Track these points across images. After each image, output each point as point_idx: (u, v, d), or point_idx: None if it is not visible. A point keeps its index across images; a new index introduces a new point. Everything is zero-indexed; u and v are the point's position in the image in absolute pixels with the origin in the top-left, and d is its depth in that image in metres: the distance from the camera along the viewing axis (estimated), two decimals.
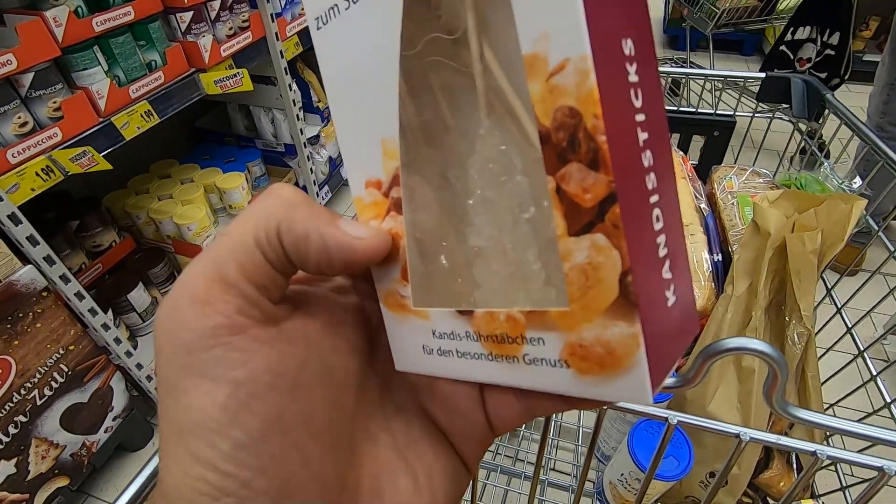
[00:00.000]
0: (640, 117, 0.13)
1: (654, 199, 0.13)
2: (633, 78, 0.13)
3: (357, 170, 0.18)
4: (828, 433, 0.57)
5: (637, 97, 0.13)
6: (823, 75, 2.02)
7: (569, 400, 0.16)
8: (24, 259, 0.96)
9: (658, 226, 0.13)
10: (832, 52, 1.98)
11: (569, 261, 0.13)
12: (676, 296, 0.14)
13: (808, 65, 2.06)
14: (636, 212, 0.13)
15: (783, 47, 2.08)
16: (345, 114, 0.18)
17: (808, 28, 2.01)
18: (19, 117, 0.95)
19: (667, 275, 0.14)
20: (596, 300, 0.13)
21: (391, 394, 0.20)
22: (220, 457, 0.13)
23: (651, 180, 0.13)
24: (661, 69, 0.17)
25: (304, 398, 0.15)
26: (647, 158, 0.13)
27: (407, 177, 0.16)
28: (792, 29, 2.03)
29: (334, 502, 0.16)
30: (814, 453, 0.30)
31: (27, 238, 0.94)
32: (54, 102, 1.00)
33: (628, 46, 0.12)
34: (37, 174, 0.96)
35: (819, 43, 2.00)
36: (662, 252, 0.14)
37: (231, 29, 1.39)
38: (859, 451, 0.42)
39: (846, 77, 1.99)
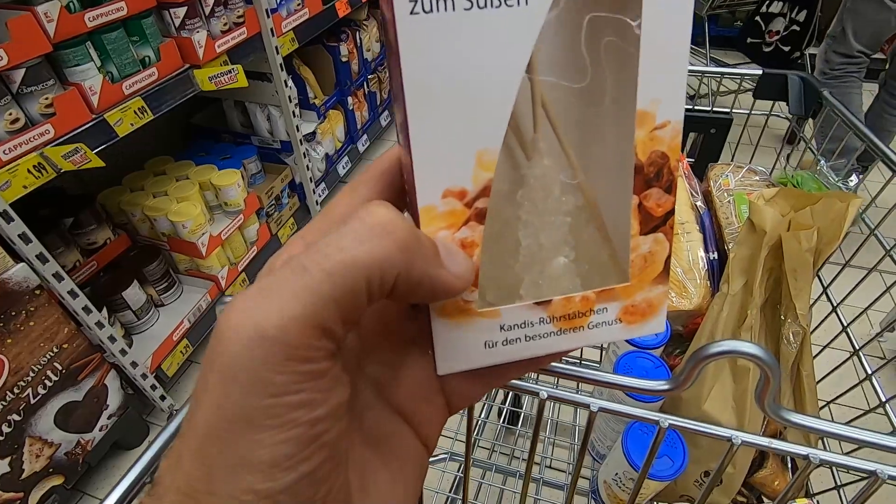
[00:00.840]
0: None
1: None
2: None
3: (435, 178, 0.17)
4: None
5: None
6: (787, 48, 2.33)
7: (536, 361, 0.21)
8: (17, 257, 0.95)
9: None
10: (798, 28, 2.27)
11: (635, 251, 0.19)
12: None
13: (777, 37, 2.34)
14: None
15: (757, 17, 2.34)
16: (432, 118, 0.17)
17: (780, 3, 2.28)
18: (10, 114, 0.94)
19: None
20: (649, 275, 0.20)
21: (358, 395, 0.20)
22: (281, 488, 0.14)
23: None
24: None
25: (342, 420, 0.16)
26: None
27: (497, 189, 0.18)
28: (767, 1, 2.30)
29: None
30: (806, 457, 0.30)
31: (19, 235, 0.93)
32: (46, 99, 0.99)
33: None
34: (29, 171, 0.95)
35: (788, 19, 2.27)
36: None
37: (226, 24, 1.38)
38: (853, 451, 0.42)
39: (805, 50, 2.30)
